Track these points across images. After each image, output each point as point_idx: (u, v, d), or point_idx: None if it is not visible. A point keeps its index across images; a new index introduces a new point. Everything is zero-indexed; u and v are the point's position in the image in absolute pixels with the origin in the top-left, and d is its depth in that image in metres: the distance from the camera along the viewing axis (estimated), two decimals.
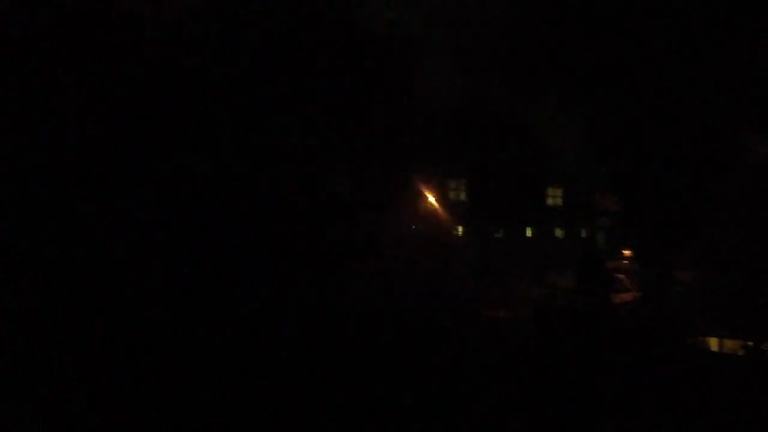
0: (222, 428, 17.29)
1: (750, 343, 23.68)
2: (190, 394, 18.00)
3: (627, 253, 34.19)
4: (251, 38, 26.68)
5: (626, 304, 28.22)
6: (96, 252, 20.50)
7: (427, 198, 33.57)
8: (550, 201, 37.45)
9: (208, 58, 26.62)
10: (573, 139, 27.76)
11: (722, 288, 26.99)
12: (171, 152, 22.02)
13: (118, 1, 23.64)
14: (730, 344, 25.12)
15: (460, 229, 35.11)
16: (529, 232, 36.94)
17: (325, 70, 26.46)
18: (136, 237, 20.62)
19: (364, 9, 28.13)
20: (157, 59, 23.83)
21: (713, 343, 25.16)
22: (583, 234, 37.54)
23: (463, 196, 35.27)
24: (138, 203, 21.18)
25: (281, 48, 26.22)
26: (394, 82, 28.06)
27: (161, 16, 25.55)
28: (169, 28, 27.50)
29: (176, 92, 23.76)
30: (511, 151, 33.18)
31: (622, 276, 32.02)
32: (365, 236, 24.71)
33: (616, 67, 22.70)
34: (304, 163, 25.52)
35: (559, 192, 37.52)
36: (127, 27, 23.94)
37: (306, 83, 26.24)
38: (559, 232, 37.72)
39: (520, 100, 27.56)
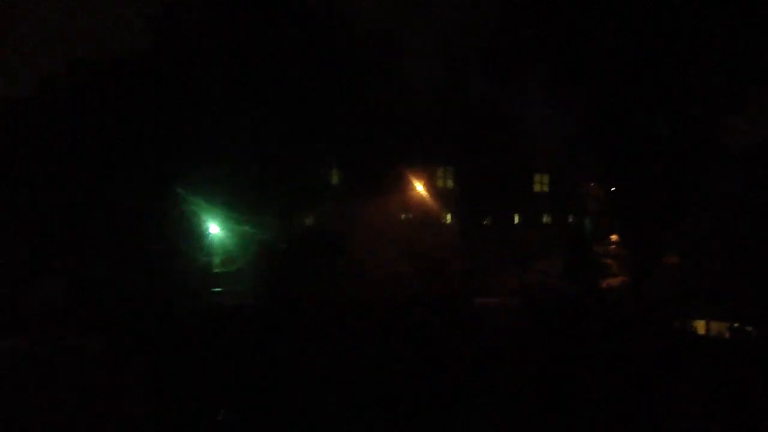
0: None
1: (736, 325, 24.16)
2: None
3: (614, 238, 34.49)
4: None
5: (614, 289, 28.60)
6: None
7: (415, 186, 33.64)
8: (537, 188, 37.60)
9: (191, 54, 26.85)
10: (560, 126, 27.95)
11: (708, 272, 27.41)
12: None
13: None
14: (716, 326, 25.58)
15: (448, 216, 35.21)
16: (516, 219, 37.12)
17: (312, 66, 26.49)
18: None
19: (349, 4, 28.14)
20: None
21: (700, 326, 25.58)
22: (571, 220, 37.80)
23: (450, 183, 35.34)
24: None
25: (264, 44, 26.26)
26: (381, 75, 28.10)
27: None
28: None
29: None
30: (497, 139, 33.35)
31: (610, 261, 32.33)
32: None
33: (601, 58, 22.92)
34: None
35: (546, 179, 37.67)
36: None
37: (292, 79, 26.32)
38: (546, 219, 37.94)
39: (507, 89, 27.71)
